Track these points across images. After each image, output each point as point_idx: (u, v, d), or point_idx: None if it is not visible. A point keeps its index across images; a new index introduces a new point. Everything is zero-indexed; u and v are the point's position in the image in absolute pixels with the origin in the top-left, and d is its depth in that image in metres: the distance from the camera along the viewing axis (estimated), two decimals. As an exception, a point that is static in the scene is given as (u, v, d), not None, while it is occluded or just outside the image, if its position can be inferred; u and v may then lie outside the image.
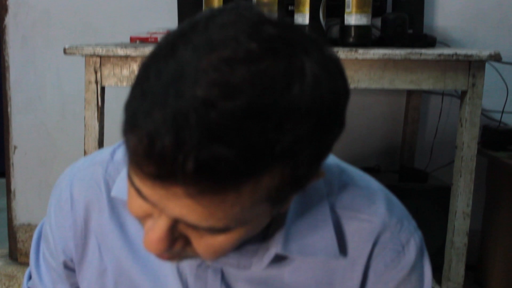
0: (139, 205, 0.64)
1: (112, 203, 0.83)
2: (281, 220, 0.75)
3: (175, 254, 0.67)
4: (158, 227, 0.62)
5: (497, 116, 2.59)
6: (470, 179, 1.79)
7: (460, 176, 1.79)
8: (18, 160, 2.75)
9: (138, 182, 0.59)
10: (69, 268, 0.89)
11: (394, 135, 2.65)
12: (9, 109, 2.71)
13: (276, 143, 0.54)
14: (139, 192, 0.60)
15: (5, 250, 2.97)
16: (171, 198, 0.57)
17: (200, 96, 0.53)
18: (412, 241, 0.78)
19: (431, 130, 2.64)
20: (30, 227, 2.79)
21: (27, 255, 2.75)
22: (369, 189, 0.80)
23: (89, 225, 0.85)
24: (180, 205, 0.57)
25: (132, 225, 0.83)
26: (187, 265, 0.79)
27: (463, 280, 1.90)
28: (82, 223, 0.84)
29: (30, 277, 0.97)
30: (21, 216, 2.83)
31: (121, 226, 0.83)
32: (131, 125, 0.56)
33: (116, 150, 0.87)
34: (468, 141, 1.77)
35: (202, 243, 0.64)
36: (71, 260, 0.87)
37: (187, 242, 0.65)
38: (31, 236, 2.74)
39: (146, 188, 0.58)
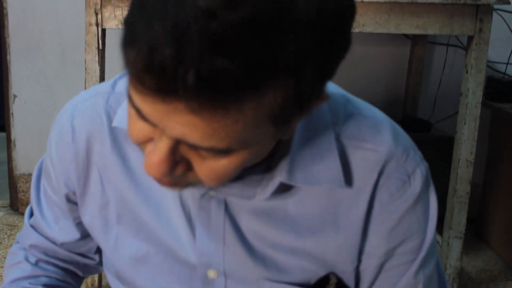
0: (140, 128, 0.62)
1: (114, 135, 0.82)
2: (285, 148, 0.73)
3: (177, 179, 0.66)
4: (159, 149, 0.60)
5: (501, 68, 2.56)
6: (475, 126, 1.77)
7: (464, 124, 1.77)
8: (18, 110, 2.73)
9: (138, 100, 0.57)
10: (72, 202, 0.87)
11: (397, 86, 2.62)
12: (8, 57, 2.68)
13: (279, 56, 0.52)
14: (139, 112, 0.58)
15: (6, 201, 2.98)
16: (172, 115, 0.55)
17: (201, 7, 0.50)
18: (418, 171, 0.76)
19: (435, 81, 2.62)
20: (30, 177, 2.78)
21: (28, 204, 2.75)
22: (375, 118, 0.79)
23: (91, 156, 0.83)
24: (181, 123, 0.55)
25: (134, 157, 0.81)
26: (190, 196, 0.78)
27: (464, 229, 1.90)
28: (84, 155, 0.83)
29: (31, 215, 0.97)
30: (21, 166, 2.82)
31: (123, 158, 0.82)
32: (130, 39, 0.54)
33: (117, 82, 0.85)
34: (473, 87, 1.74)
35: (204, 167, 0.63)
36: (74, 193, 0.86)
37: (189, 166, 0.63)
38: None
39: (147, 106, 0.56)
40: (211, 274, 0.80)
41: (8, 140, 2.83)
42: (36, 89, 2.68)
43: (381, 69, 2.60)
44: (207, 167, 0.62)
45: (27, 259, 0.95)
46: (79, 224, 0.90)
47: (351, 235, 0.76)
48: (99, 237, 0.86)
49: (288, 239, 0.76)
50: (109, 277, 0.91)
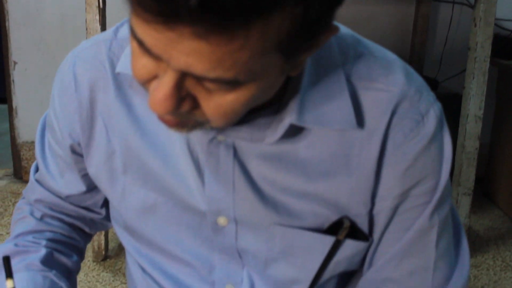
0: (143, 65, 0.60)
1: (118, 82, 0.79)
2: (295, 89, 0.71)
3: (183, 119, 0.63)
4: (164, 84, 0.58)
5: (508, 25, 2.52)
6: (483, 81, 1.74)
7: (473, 78, 1.74)
8: (19, 77, 2.70)
9: (141, 31, 0.54)
10: (77, 153, 0.85)
11: (403, 45, 2.58)
12: (6, 24, 2.64)
13: None
14: (142, 45, 0.56)
15: (9, 169, 2.97)
16: (176, 43, 0.52)
17: None
18: (431, 111, 0.74)
19: (440, 39, 2.58)
20: (33, 145, 2.77)
21: (32, 173, 2.74)
22: (386, 59, 0.76)
23: (95, 106, 0.80)
24: (186, 52, 0.53)
25: (139, 104, 0.79)
26: (198, 142, 0.76)
27: (473, 186, 1.88)
28: (88, 104, 0.80)
29: (37, 170, 0.95)
30: (24, 134, 2.81)
31: (127, 105, 0.79)
32: None
33: (119, 28, 0.82)
34: (482, 41, 1.71)
35: (211, 104, 0.60)
36: (79, 144, 0.84)
37: (195, 104, 0.61)
38: (34, 154, 2.72)
39: (150, 36, 0.54)
40: (221, 221, 0.78)
41: (10, 108, 2.80)
42: (36, 56, 2.65)
43: (386, 28, 2.56)
44: (214, 103, 0.60)
45: (32, 214, 0.93)
46: (85, 177, 0.88)
47: (364, 177, 0.74)
48: (105, 188, 0.84)
49: (299, 183, 0.74)
50: (117, 229, 0.89)
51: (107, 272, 1.81)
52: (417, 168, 0.74)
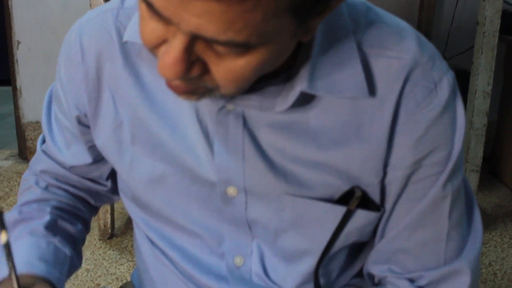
0: (152, 29, 0.58)
1: (125, 51, 0.78)
2: (306, 56, 0.69)
3: (193, 85, 0.62)
4: (173, 47, 0.56)
5: (516, 1, 2.49)
6: (492, 56, 1.72)
7: (481, 53, 1.71)
8: (22, 57, 2.69)
9: None
10: (83, 125, 0.84)
11: (409, 22, 2.55)
12: (10, 3, 2.62)
13: None
14: (151, 7, 0.54)
15: (14, 150, 2.97)
16: (187, 4, 0.51)
17: None
18: (444, 79, 0.72)
19: (447, 16, 2.55)
20: (38, 125, 2.76)
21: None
22: (398, 26, 0.74)
23: (102, 76, 0.79)
24: (196, 13, 0.51)
25: (147, 73, 0.77)
26: (207, 112, 0.74)
27: (481, 162, 1.87)
28: (94, 74, 0.79)
29: (43, 142, 0.94)
30: (28, 114, 2.80)
31: (135, 75, 0.78)
32: None
33: None
34: (490, 15, 1.68)
35: (221, 68, 0.59)
36: (85, 115, 0.83)
37: (205, 69, 0.60)
38: (39, 134, 2.71)
39: None
40: (231, 191, 0.77)
41: (14, 88, 2.79)
42: (39, 35, 2.64)
43: (392, 5, 2.53)
44: (225, 68, 0.59)
45: (37, 184, 0.92)
46: (91, 148, 0.87)
47: (376, 146, 0.73)
48: (113, 159, 0.83)
49: (309, 153, 0.73)
50: (125, 201, 0.88)
51: (113, 250, 1.81)
52: (430, 137, 0.72)
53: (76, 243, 0.93)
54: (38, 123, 2.76)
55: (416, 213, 0.75)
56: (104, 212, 1.85)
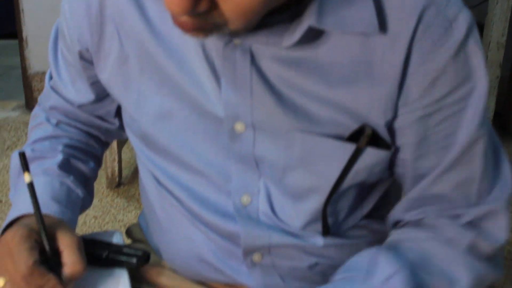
0: None
1: None
2: None
3: (200, 21, 0.60)
4: None
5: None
6: (507, 6, 1.68)
7: (497, 4, 1.67)
8: (28, 6, 2.66)
9: None
10: (85, 60, 0.83)
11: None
12: (15, -50, 2.58)
13: None
14: None
15: (21, 101, 2.96)
16: None
17: None
18: (460, 17, 0.70)
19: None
20: (44, 76, 2.74)
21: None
22: None
23: (105, 10, 0.77)
24: None
25: (151, 7, 0.75)
26: (213, 47, 0.72)
27: (492, 115, 1.85)
28: (97, 8, 0.78)
29: (51, 77, 0.94)
30: (35, 64, 2.78)
31: (140, 8, 0.76)
32: None
33: None
34: (507, -36, 1.64)
35: (230, 2, 0.58)
36: (87, 50, 0.81)
37: (213, 4, 0.58)
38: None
39: None
40: (239, 127, 0.75)
41: (20, 39, 2.77)
42: (46, -16, 2.60)
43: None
44: (233, 2, 0.58)
45: (48, 120, 0.92)
46: (94, 84, 0.86)
47: (386, 86, 0.70)
48: (119, 94, 0.81)
49: (319, 89, 0.71)
50: (132, 138, 0.87)
51: (121, 198, 1.81)
52: (448, 76, 0.70)
53: (88, 182, 0.93)
54: (44, 73, 2.74)
55: (449, 156, 0.73)
56: (111, 161, 1.85)
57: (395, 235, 0.79)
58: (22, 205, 0.79)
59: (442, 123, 0.72)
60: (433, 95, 0.71)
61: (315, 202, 0.78)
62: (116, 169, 1.85)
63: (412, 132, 0.73)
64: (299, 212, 0.79)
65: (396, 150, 0.76)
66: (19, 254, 0.70)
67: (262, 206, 0.80)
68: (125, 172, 1.95)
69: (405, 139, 0.74)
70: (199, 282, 0.89)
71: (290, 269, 0.83)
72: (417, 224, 0.78)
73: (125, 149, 2.17)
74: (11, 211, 0.81)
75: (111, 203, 1.79)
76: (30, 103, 2.86)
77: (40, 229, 0.74)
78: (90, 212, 1.74)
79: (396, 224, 0.82)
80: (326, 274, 0.85)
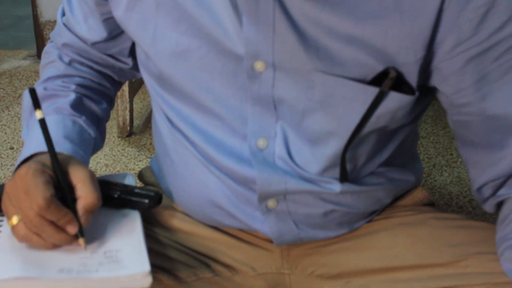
0: None
1: None
2: None
3: None
4: None
5: None
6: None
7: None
8: (40, -48, 2.61)
9: None
10: None
11: None
12: None
13: None
14: None
15: (33, 50, 2.94)
16: None
17: None
18: None
19: None
20: (55, 24, 2.71)
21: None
22: None
23: None
24: None
25: None
26: None
27: None
28: None
29: (63, 14, 0.91)
30: (46, 13, 2.75)
31: None
32: None
33: None
34: None
35: None
36: None
37: None
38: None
39: None
40: (258, 66, 0.73)
41: (32, -15, 2.73)
42: None
43: None
44: None
45: (60, 58, 0.91)
46: (106, 21, 0.84)
47: (419, 21, 0.67)
48: (135, 32, 0.79)
49: (345, 26, 0.68)
50: (146, 78, 0.85)
51: (132, 147, 1.80)
52: (500, 7, 0.66)
53: (100, 122, 0.91)
54: (55, 22, 2.71)
55: None
56: (123, 110, 1.83)
57: None
58: (34, 143, 0.78)
59: (501, 58, 0.69)
60: (486, 30, 0.67)
61: (333, 147, 0.76)
62: (128, 118, 1.84)
63: (468, 73, 0.70)
64: (317, 157, 0.77)
65: (456, 97, 0.72)
66: (35, 187, 0.69)
67: (279, 150, 0.78)
68: (136, 122, 1.94)
69: (462, 82, 0.71)
70: (212, 227, 0.88)
71: (305, 215, 0.82)
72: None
73: (136, 100, 2.15)
74: (23, 150, 0.80)
75: (122, 152, 1.78)
76: (41, 52, 2.83)
77: (53, 162, 0.72)
78: (101, 160, 1.73)
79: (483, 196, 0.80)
80: (342, 221, 0.84)
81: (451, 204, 1.59)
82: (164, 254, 0.84)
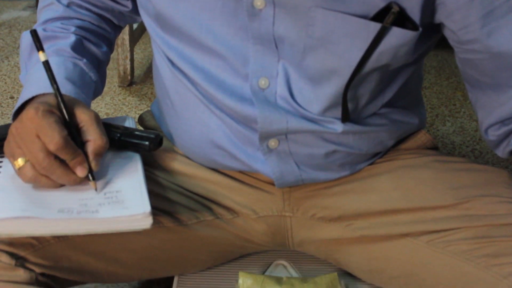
0: None
1: None
2: None
3: None
4: None
5: None
6: None
7: None
8: None
9: None
10: None
11: None
12: None
13: None
14: None
15: (32, 1, 2.90)
16: None
17: None
18: None
19: None
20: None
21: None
22: None
23: None
24: None
25: None
26: None
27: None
28: None
29: None
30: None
31: None
32: None
33: None
34: None
35: None
36: None
37: None
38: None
39: None
40: (258, 3, 0.71)
41: None
42: None
43: None
44: None
45: (58, 1, 0.88)
46: None
47: None
48: None
49: None
50: (146, 20, 0.84)
51: (133, 97, 1.79)
52: None
53: (101, 66, 0.90)
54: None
55: None
56: (123, 59, 1.81)
57: None
58: (35, 85, 0.76)
59: None
60: None
61: (335, 86, 0.75)
62: (128, 67, 1.82)
63: (474, 8, 0.68)
64: (319, 96, 0.76)
65: (462, 33, 0.71)
66: (49, 127, 0.67)
67: (280, 89, 0.77)
68: (137, 72, 1.92)
69: (468, 17, 0.69)
70: (213, 170, 0.87)
71: (306, 156, 0.81)
72: None
73: (137, 50, 2.13)
74: (23, 92, 0.79)
75: (123, 101, 1.77)
76: (40, 3, 2.80)
77: (60, 103, 0.71)
78: (102, 109, 1.72)
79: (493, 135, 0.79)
80: (344, 163, 0.83)
81: (453, 154, 1.58)
82: (165, 197, 0.84)
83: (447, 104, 1.84)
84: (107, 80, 1.74)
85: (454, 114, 1.78)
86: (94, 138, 0.71)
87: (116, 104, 1.75)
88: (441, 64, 2.10)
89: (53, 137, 0.67)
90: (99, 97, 1.83)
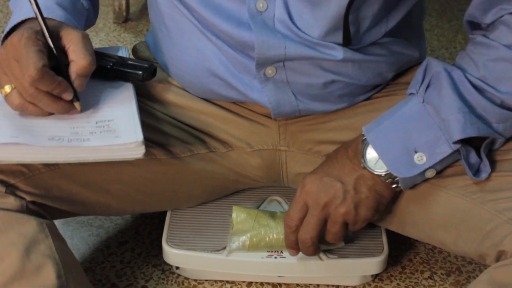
0: None
1: None
2: None
3: None
4: None
5: None
6: None
7: None
8: None
9: None
10: None
11: None
12: None
13: None
14: None
15: None
16: None
17: None
18: None
19: None
20: None
21: None
22: None
23: None
24: None
25: None
26: None
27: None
28: None
29: None
30: None
31: None
32: None
33: None
34: None
35: None
36: None
37: None
38: None
39: None
40: None
41: None
42: None
43: None
44: None
45: None
46: None
47: None
48: None
49: None
50: None
51: (128, 33, 1.76)
52: None
53: None
54: None
55: None
56: (118, -6, 1.77)
57: None
58: (24, 10, 0.74)
59: None
60: None
61: (336, 7, 0.72)
62: (124, 3, 1.77)
63: None
64: (319, 19, 0.74)
65: None
66: (27, 56, 0.65)
67: (279, 12, 0.75)
68: (132, 9, 1.88)
69: None
70: (208, 101, 0.86)
71: (304, 85, 0.79)
72: (496, 26, 0.73)
73: (133, -13, 2.08)
74: (12, 17, 0.77)
75: (118, 37, 1.73)
76: None
77: (42, 25, 0.69)
78: (96, 45, 1.69)
79: (472, 25, 0.78)
80: (342, 94, 0.82)
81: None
82: (158, 128, 0.83)
83: (448, 46, 1.82)
84: (102, 16, 1.70)
85: (454, 57, 1.75)
86: (77, 58, 0.69)
87: (111, 41, 1.72)
88: (443, 7, 2.07)
89: (29, 69, 0.65)
90: (94, 33, 1.81)
